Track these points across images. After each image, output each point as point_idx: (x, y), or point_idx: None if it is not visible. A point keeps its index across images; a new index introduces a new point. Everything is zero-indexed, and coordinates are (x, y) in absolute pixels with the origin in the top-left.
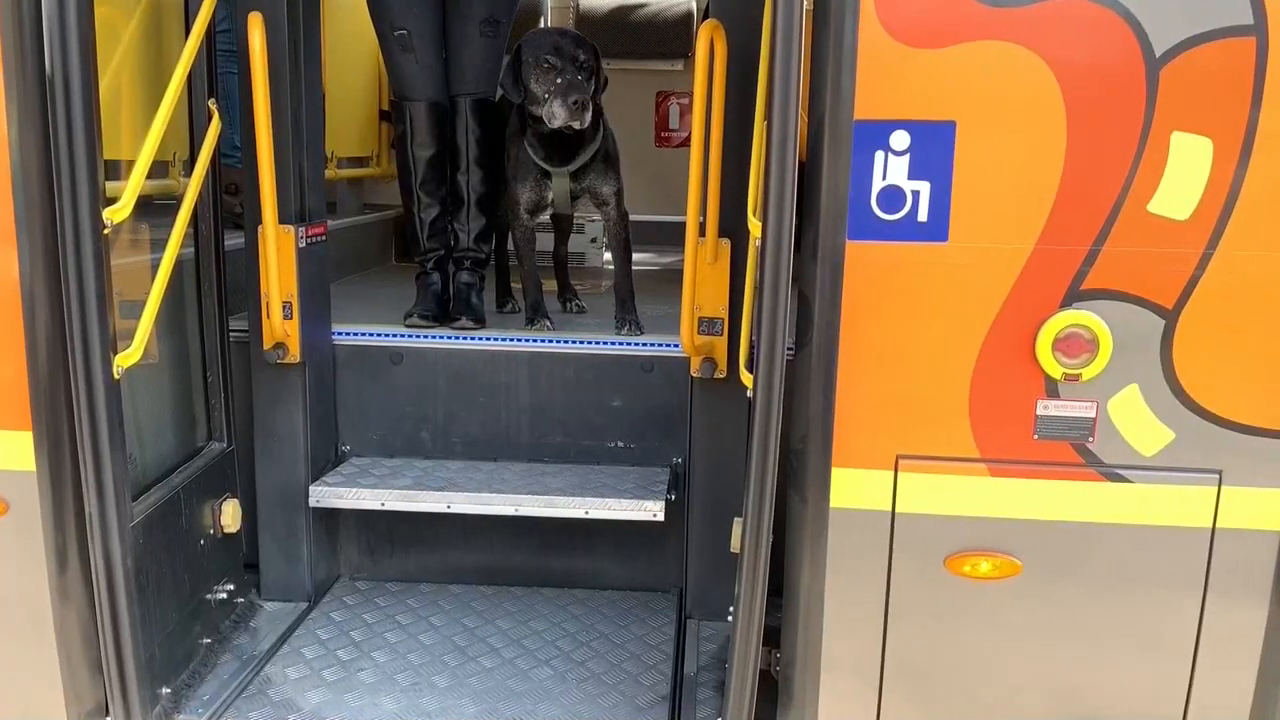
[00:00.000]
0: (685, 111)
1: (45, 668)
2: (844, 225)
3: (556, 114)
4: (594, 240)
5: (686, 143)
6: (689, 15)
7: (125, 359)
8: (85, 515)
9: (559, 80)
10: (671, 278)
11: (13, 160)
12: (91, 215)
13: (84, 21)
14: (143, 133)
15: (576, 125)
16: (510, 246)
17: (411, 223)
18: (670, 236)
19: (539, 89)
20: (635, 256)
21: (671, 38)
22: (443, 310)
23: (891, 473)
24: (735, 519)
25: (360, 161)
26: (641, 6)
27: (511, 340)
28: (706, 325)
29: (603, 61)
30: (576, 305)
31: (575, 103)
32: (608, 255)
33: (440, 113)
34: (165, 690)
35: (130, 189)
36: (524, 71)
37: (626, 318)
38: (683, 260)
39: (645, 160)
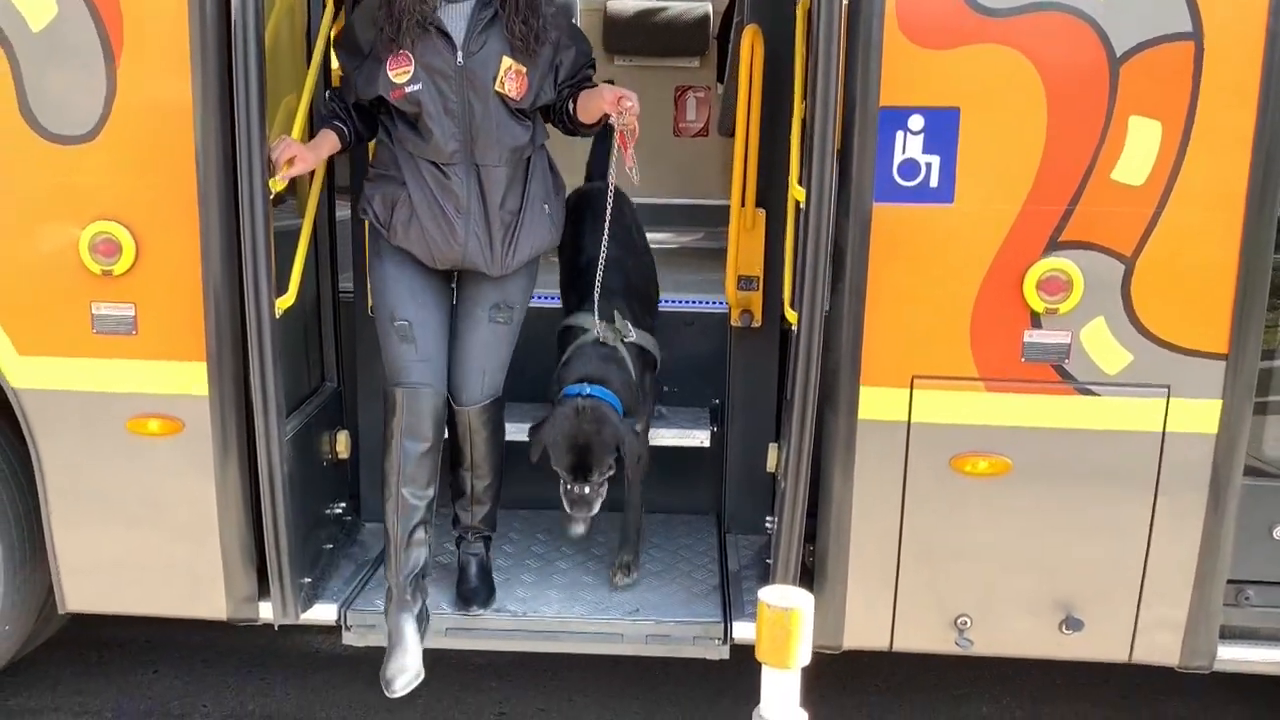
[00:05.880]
0: (701, 104)
1: (208, 562)
2: (871, 190)
3: (562, 521)
4: None
5: (702, 133)
6: (705, 18)
7: (284, 302)
8: (246, 432)
9: (569, 489)
10: (691, 255)
11: (197, 143)
12: (263, 186)
13: (259, 36)
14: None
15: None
16: None
17: (384, 516)
18: (688, 218)
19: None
20: (658, 236)
21: (689, 38)
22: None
23: (908, 390)
24: (770, 444)
25: None
26: (663, 10)
27: None
28: (745, 282)
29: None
30: None
31: (578, 520)
32: None
33: (439, 405)
34: (306, 580)
35: None
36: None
37: None
38: (700, 238)
39: (665, 148)
